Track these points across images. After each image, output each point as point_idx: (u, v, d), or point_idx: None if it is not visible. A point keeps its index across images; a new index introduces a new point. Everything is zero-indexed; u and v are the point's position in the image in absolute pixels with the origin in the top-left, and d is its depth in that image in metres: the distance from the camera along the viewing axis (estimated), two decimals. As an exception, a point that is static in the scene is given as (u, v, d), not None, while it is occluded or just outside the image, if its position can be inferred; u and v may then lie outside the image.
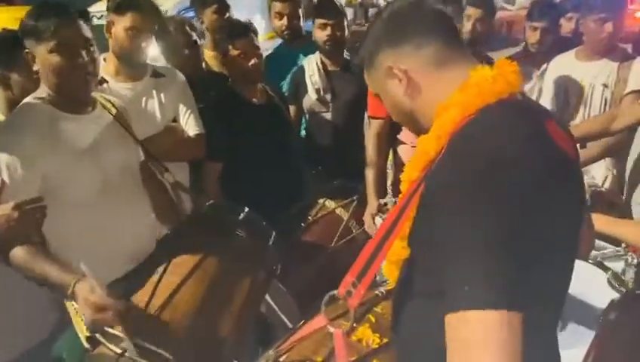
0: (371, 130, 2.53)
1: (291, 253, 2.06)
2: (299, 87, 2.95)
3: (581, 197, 1.01)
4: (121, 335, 1.43)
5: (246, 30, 2.40)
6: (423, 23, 1.03)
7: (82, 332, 1.53)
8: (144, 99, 2.18)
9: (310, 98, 2.92)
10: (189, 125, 2.26)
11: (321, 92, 2.89)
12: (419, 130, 1.07)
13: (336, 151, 2.88)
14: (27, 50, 1.62)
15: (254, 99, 2.47)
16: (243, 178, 2.32)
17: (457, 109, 0.94)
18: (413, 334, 1.02)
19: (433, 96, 1.00)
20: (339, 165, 2.82)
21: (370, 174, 2.43)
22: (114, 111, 1.81)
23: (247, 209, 1.82)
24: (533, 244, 0.81)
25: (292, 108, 2.98)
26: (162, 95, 2.22)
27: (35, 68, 1.62)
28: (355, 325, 1.34)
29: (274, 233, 1.85)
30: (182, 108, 2.26)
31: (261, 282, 1.76)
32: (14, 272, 1.61)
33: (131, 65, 2.14)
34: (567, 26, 3.37)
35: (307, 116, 2.98)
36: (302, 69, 2.94)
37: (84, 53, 1.60)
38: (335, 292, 1.00)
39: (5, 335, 1.78)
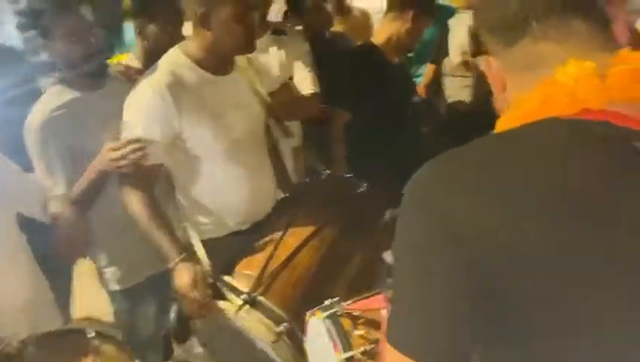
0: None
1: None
2: (440, 48, 3.05)
3: None
4: (243, 289, 1.72)
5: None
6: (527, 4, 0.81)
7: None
8: (263, 56, 2.38)
9: (452, 61, 3.02)
10: (306, 83, 2.44)
11: (468, 55, 2.98)
12: None
13: (474, 121, 2.97)
14: (207, 9, 1.78)
15: (392, 59, 2.64)
16: (366, 137, 2.51)
17: (504, 120, 0.82)
18: None
19: (510, 97, 0.86)
20: (476, 135, 2.91)
21: None
22: (250, 71, 2.05)
23: (365, 184, 2.02)
24: None
25: (431, 68, 3.10)
26: (281, 52, 2.42)
27: (206, 27, 1.79)
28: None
29: (388, 211, 2.04)
30: (300, 66, 2.45)
31: (373, 256, 1.97)
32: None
33: None
34: None
35: (444, 80, 3.08)
36: (446, 29, 3.03)
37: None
38: None
39: (133, 259, 2.13)
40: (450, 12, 3.26)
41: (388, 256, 2.08)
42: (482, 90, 2.95)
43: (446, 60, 3.10)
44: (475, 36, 2.96)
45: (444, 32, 3.09)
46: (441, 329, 0.73)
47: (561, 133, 0.76)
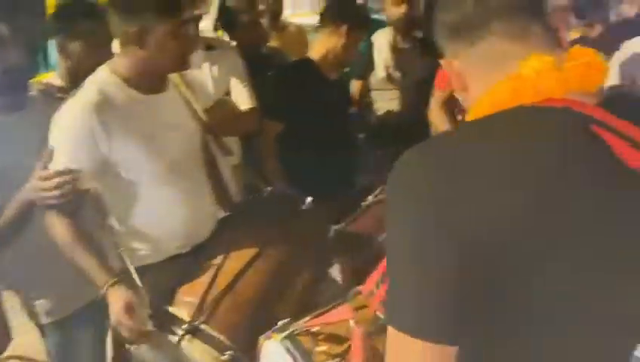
0: (435, 100, 2.75)
1: (345, 236, 2.21)
2: (367, 64, 3.12)
3: None
4: (184, 317, 1.67)
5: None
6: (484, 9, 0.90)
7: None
8: (197, 72, 2.32)
9: (377, 75, 3.09)
10: (242, 99, 2.42)
11: (390, 69, 3.05)
12: None
13: (403, 132, 3.03)
14: (142, 28, 1.71)
15: (330, 75, 2.66)
16: (302, 152, 2.50)
17: (476, 110, 0.89)
18: None
19: (475, 94, 0.93)
20: (404, 146, 2.97)
21: None
22: (183, 88, 1.99)
23: (309, 198, 2.01)
24: None
25: (357, 84, 3.15)
26: (215, 68, 2.39)
27: (138, 45, 1.73)
28: (373, 329, 1.34)
29: (333, 227, 2.04)
30: (235, 82, 2.43)
31: (319, 273, 1.97)
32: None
33: None
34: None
35: (372, 94, 3.14)
36: (370, 45, 3.09)
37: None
38: (360, 288, 1.15)
39: (63, 289, 2.01)
40: (377, 25, 3.30)
41: (334, 271, 2.08)
42: (409, 101, 3.04)
43: (372, 75, 3.17)
44: (395, 50, 3.05)
45: (367, 49, 3.15)
46: (437, 312, 0.78)
47: (533, 119, 0.84)
